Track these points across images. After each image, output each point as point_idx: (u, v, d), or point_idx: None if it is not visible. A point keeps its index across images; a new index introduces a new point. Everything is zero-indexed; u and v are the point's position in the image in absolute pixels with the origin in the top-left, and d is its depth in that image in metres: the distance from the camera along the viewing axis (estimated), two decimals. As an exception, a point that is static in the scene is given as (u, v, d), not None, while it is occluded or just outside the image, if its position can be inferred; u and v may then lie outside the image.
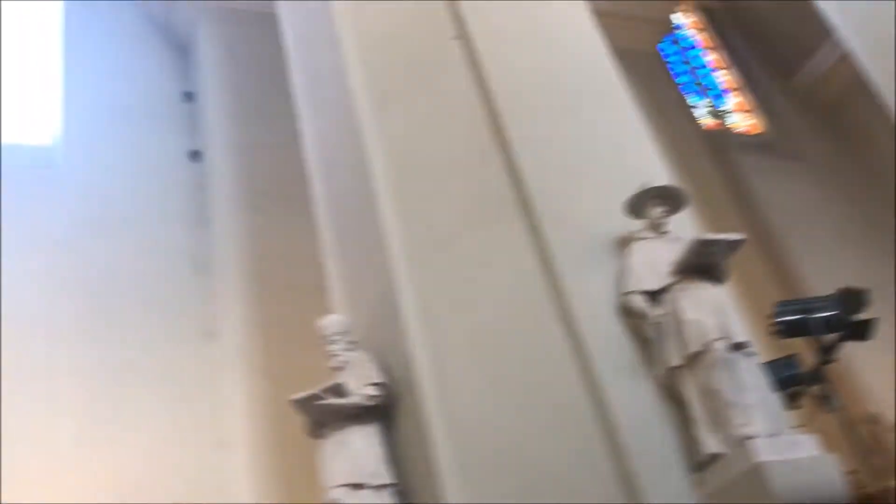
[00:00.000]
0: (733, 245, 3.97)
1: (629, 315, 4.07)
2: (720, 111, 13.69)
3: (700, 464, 3.63)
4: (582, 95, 5.15)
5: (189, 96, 9.95)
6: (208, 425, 7.77)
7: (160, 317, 8.30)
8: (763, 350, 4.05)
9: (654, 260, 4.06)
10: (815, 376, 5.07)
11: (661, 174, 4.74)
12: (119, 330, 8.12)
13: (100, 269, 8.43)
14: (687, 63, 14.04)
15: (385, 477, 4.22)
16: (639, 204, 4.27)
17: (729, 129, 13.49)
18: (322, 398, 4.42)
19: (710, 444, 3.56)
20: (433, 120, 5.05)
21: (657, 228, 4.23)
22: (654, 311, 3.95)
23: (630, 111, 5.22)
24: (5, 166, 8.89)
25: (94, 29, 10.27)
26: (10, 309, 7.87)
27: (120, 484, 7.24)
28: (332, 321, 4.83)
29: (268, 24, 7.76)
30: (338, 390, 4.44)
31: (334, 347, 4.69)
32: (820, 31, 9.84)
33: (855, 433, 5.71)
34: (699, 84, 13.90)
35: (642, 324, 4.00)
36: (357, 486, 4.19)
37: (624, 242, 4.28)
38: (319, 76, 6.06)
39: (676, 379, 3.79)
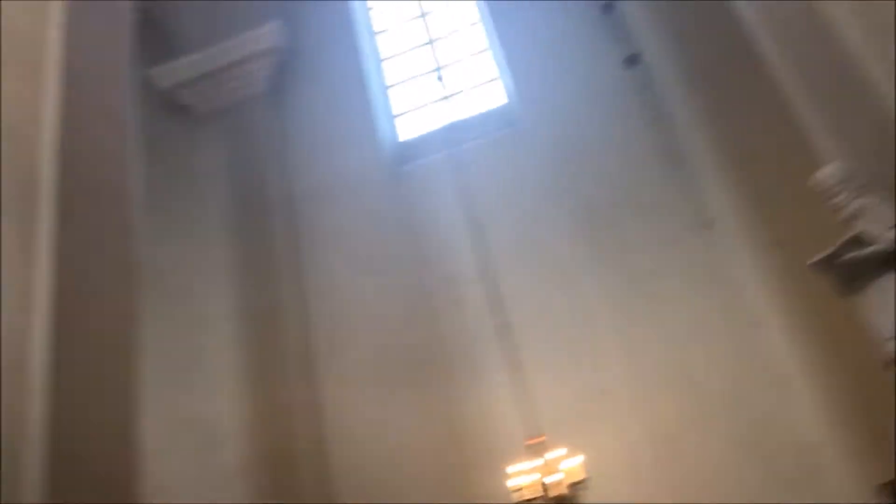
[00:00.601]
0: None
1: None
2: None
3: None
4: None
5: (607, 7, 10.06)
6: (736, 307, 7.95)
7: (657, 218, 8.66)
8: None
9: None
10: None
11: None
12: (623, 242, 8.69)
13: (585, 194, 9.08)
14: None
15: (943, 317, 3.85)
16: None
17: None
18: (844, 254, 4.18)
19: None
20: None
21: None
22: None
23: None
24: (481, 135, 10.11)
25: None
26: (522, 255, 8.95)
27: (673, 377, 7.86)
28: (829, 172, 4.50)
29: None
30: (859, 241, 4.15)
31: (840, 199, 4.38)
32: None
33: None
34: None
35: None
36: (913, 334, 3.90)
37: None
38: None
39: None
